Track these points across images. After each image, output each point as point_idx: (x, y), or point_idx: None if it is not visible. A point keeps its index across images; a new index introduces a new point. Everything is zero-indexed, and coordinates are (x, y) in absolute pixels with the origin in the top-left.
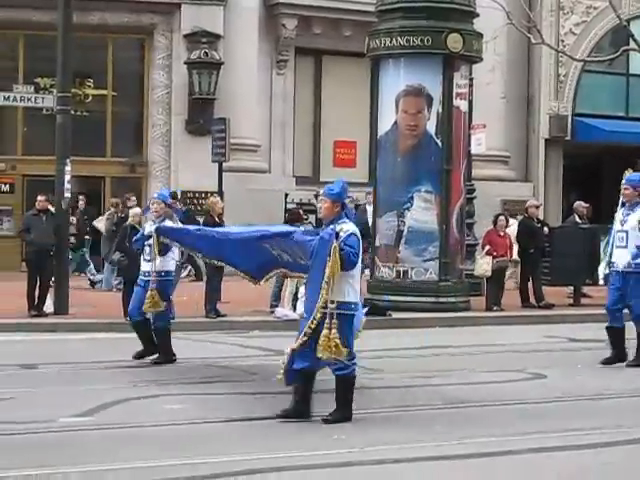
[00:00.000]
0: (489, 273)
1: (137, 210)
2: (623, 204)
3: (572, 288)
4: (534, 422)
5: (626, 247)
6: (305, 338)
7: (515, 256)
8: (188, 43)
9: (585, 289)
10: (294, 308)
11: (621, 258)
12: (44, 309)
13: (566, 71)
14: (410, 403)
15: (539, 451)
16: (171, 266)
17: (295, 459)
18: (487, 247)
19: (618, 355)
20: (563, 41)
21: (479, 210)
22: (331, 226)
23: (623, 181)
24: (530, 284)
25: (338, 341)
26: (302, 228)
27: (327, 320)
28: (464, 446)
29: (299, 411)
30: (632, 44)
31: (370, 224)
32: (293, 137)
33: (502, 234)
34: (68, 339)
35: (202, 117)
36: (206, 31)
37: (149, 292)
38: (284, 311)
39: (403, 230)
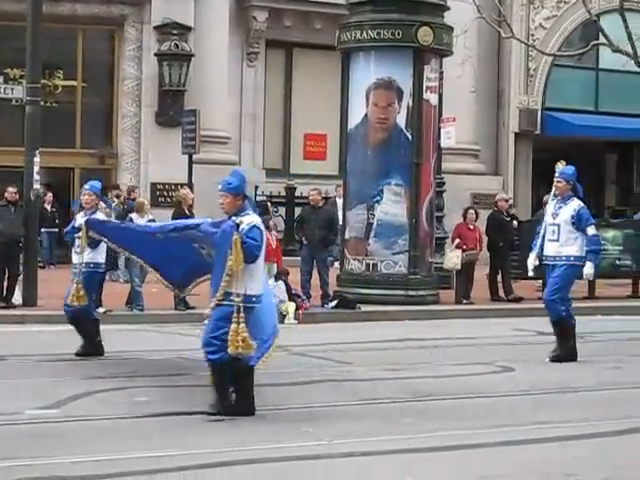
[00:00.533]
0: (459, 266)
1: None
2: (555, 196)
3: (541, 282)
4: (502, 415)
5: (557, 240)
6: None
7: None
8: (158, 35)
9: None
10: None
11: (552, 251)
12: (12, 301)
13: (536, 65)
14: (379, 396)
15: (507, 444)
16: (100, 258)
17: (262, 452)
18: (457, 240)
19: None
20: (533, 35)
21: (449, 203)
22: (233, 218)
23: (556, 174)
24: (499, 277)
25: (246, 335)
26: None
27: (235, 314)
28: (433, 439)
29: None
30: (602, 39)
31: (340, 217)
32: (263, 129)
33: (472, 227)
34: (36, 331)
35: (172, 109)
36: (177, 23)
37: (74, 285)
38: None
39: (373, 223)
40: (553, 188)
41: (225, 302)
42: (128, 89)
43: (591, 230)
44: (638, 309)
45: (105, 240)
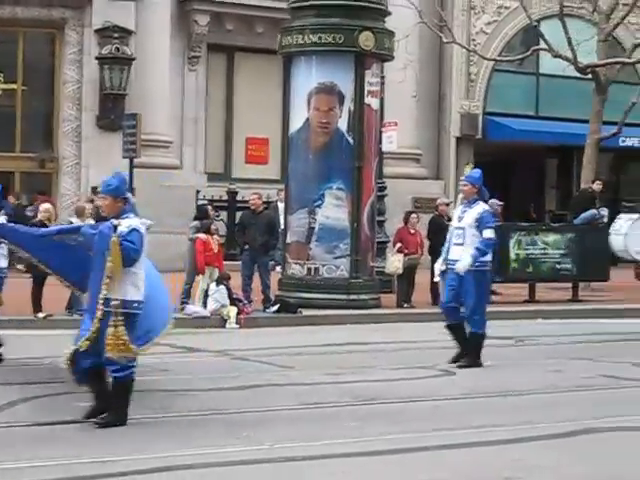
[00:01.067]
0: (400, 270)
1: (48, 206)
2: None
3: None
4: (443, 419)
5: (463, 244)
6: (91, 339)
7: None
8: (99, 38)
9: (495, 286)
10: (204, 305)
11: (457, 255)
12: None
13: (477, 70)
14: (321, 400)
15: (448, 447)
16: (2, 263)
17: (202, 457)
18: (398, 244)
19: (466, 349)
20: (474, 40)
21: (390, 208)
22: (112, 220)
23: (462, 177)
24: None
25: (126, 338)
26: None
27: (112, 318)
28: (374, 443)
29: (99, 410)
30: (542, 44)
31: (282, 221)
32: (205, 133)
33: (413, 232)
34: None
35: (113, 113)
36: (118, 26)
37: None
38: (194, 308)
39: (314, 227)
40: (459, 192)
41: (106, 309)
42: (69, 92)
43: (487, 233)
44: (578, 313)
45: (6, 243)
